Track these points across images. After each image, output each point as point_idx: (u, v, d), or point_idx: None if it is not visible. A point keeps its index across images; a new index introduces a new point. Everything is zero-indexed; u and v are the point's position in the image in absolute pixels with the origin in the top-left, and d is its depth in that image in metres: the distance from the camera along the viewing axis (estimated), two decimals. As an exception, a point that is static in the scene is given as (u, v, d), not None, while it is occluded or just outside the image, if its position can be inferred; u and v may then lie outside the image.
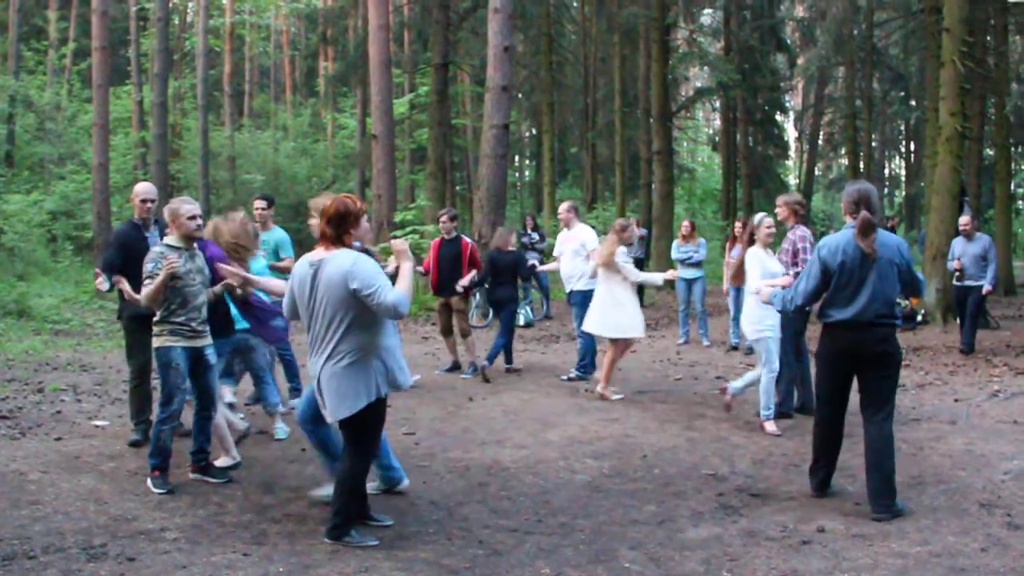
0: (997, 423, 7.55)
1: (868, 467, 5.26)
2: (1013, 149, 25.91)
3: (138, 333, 6.54)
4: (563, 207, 10.40)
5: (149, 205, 6.84)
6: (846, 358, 5.30)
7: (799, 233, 7.70)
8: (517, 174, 41.85)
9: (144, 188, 6.98)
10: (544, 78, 26.03)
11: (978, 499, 5.40)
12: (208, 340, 5.80)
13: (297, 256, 5.98)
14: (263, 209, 8.57)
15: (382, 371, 4.67)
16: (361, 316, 4.55)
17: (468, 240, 10.29)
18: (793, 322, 7.62)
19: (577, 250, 9.91)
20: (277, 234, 8.54)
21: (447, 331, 10.32)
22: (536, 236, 16.83)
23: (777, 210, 7.95)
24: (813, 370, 6.43)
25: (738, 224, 11.93)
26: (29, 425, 7.36)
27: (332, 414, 4.66)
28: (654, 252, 20.84)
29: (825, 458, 5.51)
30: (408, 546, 4.71)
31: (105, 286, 6.56)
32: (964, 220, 11.21)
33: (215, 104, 31.95)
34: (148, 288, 5.50)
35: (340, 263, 4.54)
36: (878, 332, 5.20)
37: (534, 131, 36.59)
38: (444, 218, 10.37)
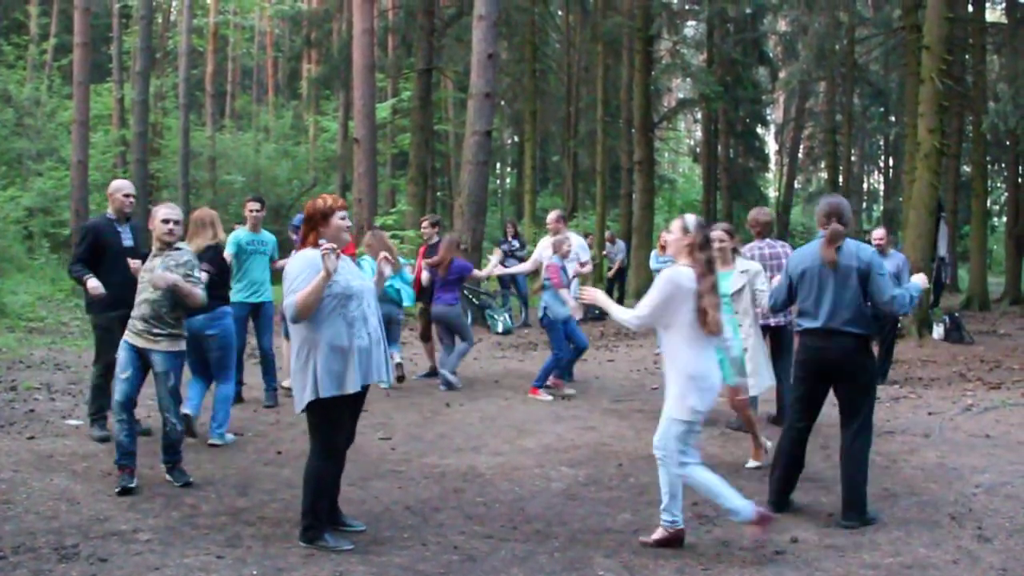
0: (970, 437, 7.62)
1: (841, 475, 5.35)
2: (990, 166, 26.23)
3: (108, 331, 6.58)
4: (551, 216, 10.42)
5: (131, 200, 6.92)
6: (813, 366, 5.39)
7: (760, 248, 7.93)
8: (498, 181, 41.89)
9: (124, 184, 7.09)
10: (527, 86, 26.10)
11: (949, 512, 5.45)
12: (156, 345, 5.67)
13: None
14: (257, 211, 8.49)
15: (326, 370, 4.55)
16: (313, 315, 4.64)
17: None
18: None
19: (570, 258, 9.85)
20: (265, 236, 8.51)
21: (426, 337, 10.32)
22: (516, 243, 16.86)
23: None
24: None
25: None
26: (1, 424, 7.29)
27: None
28: (633, 262, 20.90)
29: (781, 469, 5.52)
30: (383, 551, 4.70)
31: (100, 288, 6.50)
32: (878, 234, 10.14)
33: (197, 104, 31.73)
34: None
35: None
36: (843, 341, 5.25)
37: (516, 139, 36.68)
38: (425, 224, 10.38)
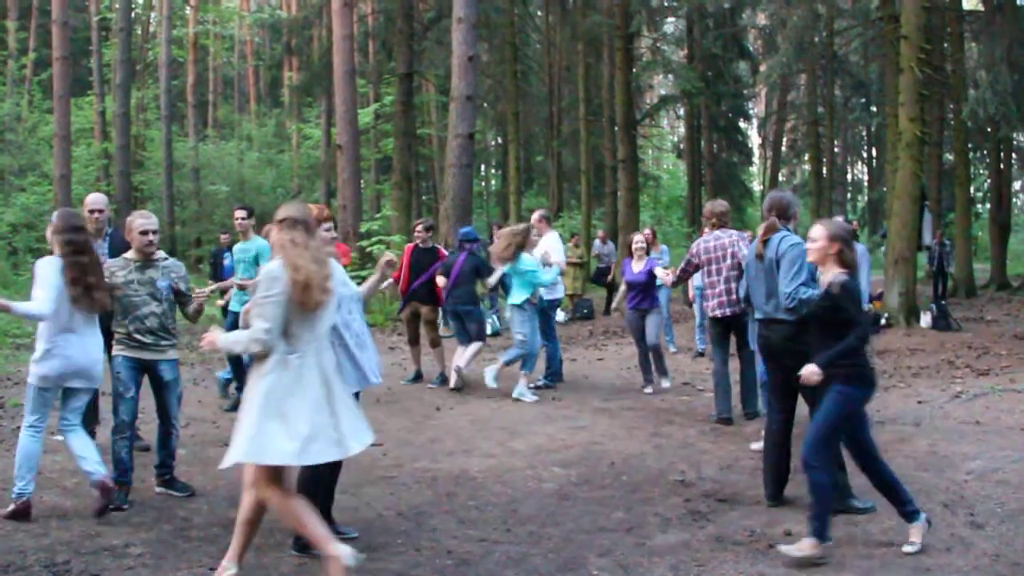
0: (960, 424, 7.65)
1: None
2: (972, 154, 26.35)
3: None
4: (534, 216, 10.42)
5: (96, 215, 6.70)
6: (768, 356, 5.65)
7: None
8: (483, 183, 41.88)
9: (91, 199, 6.88)
10: (509, 87, 26.10)
11: (942, 499, 5.48)
12: (164, 355, 5.68)
13: None
14: (243, 219, 8.50)
15: None
16: None
17: (445, 251, 10.29)
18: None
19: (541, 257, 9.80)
20: (258, 243, 8.43)
21: (414, 341, 10.30)
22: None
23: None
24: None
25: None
26: (-11, 442, 7.23)
27: None
28: (619, 260, 20.91)
29: (771, 462, 5.57)
30: (376, 557, 4.69)
31: None
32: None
33: (179, 115, 31.71)
34: None
35: None
36: (781, 328, 5.45)
37: (499, 140, 36.69)
38: (419, 228, 10.39)
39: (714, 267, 7.60)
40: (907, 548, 4.60)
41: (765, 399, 7.58)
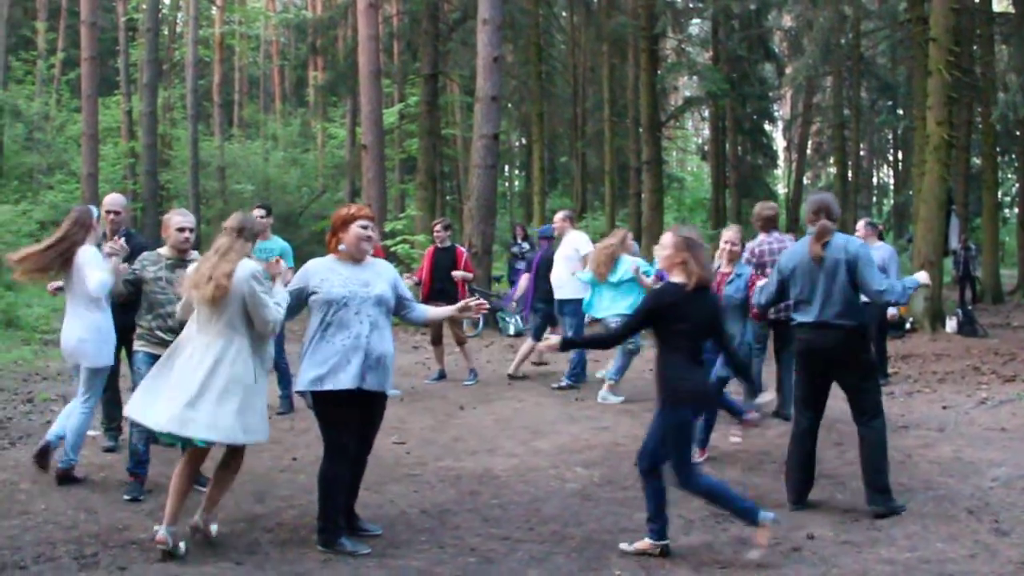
0: (985, 430, 7.59)
1: (862, 463, 5.45)
2: (1000, 158, 26.10)
3: None
4: (558, 216, 10.44)
5: (112, 216, 6.74)
6: (810, 361, 5.49)
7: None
8: (507, 184, 41.92)
9: (109, 199, 6.92)
10: (533, 88, 26.11)
11: (966, 506, 5.44)
12: None
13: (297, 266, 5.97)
14: (262, 218, 8.55)
15: (306, 368, 4.75)
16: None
17: (462, 249, 10.34)
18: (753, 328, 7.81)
19: (570, 256, 9.83)
20: (279, 243, 8.51)
21: (437, 340, 10.34)
22: (526, 246, 16.87)
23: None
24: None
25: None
26: (19, 435, 7.34)
27: None
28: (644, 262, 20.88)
29: (796, 467, 5.57)
30: (400, 555, 4.72)
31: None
32: (859, 227, 9.93)
33: (204, 114, 31.91)
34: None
35: None
36: (835, 333, 5.33)
37: (524, 141, 36.66)
38: (438, 227, 10.46)
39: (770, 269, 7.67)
40: (623, 546, 4.80)
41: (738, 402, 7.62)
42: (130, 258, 5.92)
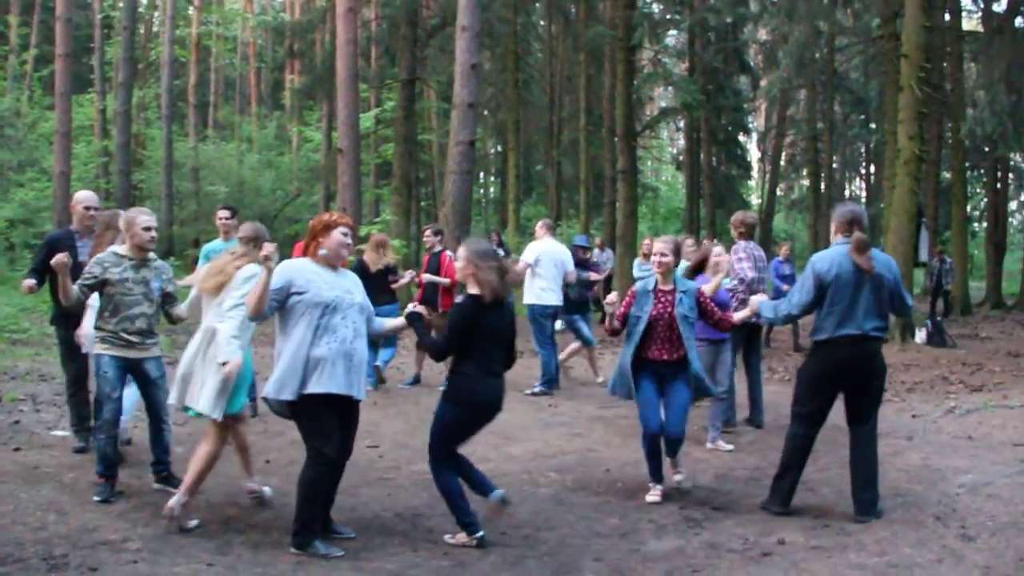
0: (952, 439, 7.70)
1: (856, 474, 5.48)
2: (968, 172, 26.48)
3: (70, 341, 6.48)
4: (539, 224, 10.62)
5: (93, 212, 6.67)
6: (839, 374, 5.42)
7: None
8: (482, 191, 41.95)
9: (86, 195, 6.86)
10: (510, 96, 26.19)
11: (934, 512, 5.52)
12: (149, 353, 5.68)
13: None
14: (226, 219, 8.52)
15: (284, 373, 4.67)
16: (281, 319, 4.81)
17: (447, 254, 10.34)
18: (734, 339, 7.84)
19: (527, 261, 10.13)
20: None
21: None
22: (501, 252, 16.89)
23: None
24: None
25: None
26: (-14, 435, 7.25)
27: None
28: (617, 270, 20.96)
29: (791, 476, 5.59)
30: (373, 557, 4.72)
31: (31, 282, 6.47)
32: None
33: (179, 114, 31.73)
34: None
35: None
36: (873, 345, 5.40)
37: (500, 148, 36.76)
38: (428, 233, 10.57)
39: (755, 276, 7.77)
40: (447, 538, 4.97)
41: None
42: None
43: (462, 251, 4.97)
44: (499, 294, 4.86)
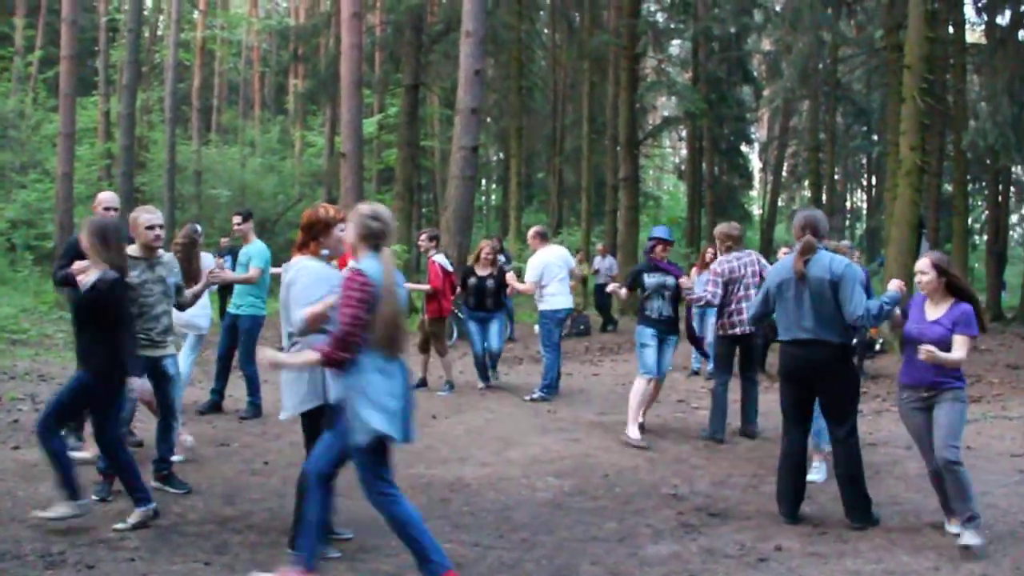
0: (950, 450, 7.69)
1: (839, 480, 5.51)
2: (970, 184, 26.48)
3: None
4: (530, 232, 10.56)
5: (112, 214, 6.68)
6: (789, 375, 5.56)
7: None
8: (483, 197, 41.97)
9: (107, 196, 6.89)
10: (513, 102, 26.21)
11: (930, 520, 5.52)
12: (168, 351, 5.75)
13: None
14: (239, 224, 8.62)
15: (313, 383, 4.63)
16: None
17: (434, 260, 10.33)
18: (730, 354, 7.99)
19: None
20: (257, 246, 8.53)
21: (424, 347, 10.36)
22: (502, 259, 16.87)
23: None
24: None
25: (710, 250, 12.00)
26: (-14, 433, 7.27)
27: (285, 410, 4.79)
28: (619, 278, 20.97)
29: (788, 480, 5.61)
30: (370, 559, 4.73)
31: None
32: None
33: (183, 118, 31.75)
34: None
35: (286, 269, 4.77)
36: (820, 350, 5.38)
37: (502, 155, 36.76)
38: (423, 237, 10.57)
39: (740, 286, 7.75)
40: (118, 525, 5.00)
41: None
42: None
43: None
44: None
